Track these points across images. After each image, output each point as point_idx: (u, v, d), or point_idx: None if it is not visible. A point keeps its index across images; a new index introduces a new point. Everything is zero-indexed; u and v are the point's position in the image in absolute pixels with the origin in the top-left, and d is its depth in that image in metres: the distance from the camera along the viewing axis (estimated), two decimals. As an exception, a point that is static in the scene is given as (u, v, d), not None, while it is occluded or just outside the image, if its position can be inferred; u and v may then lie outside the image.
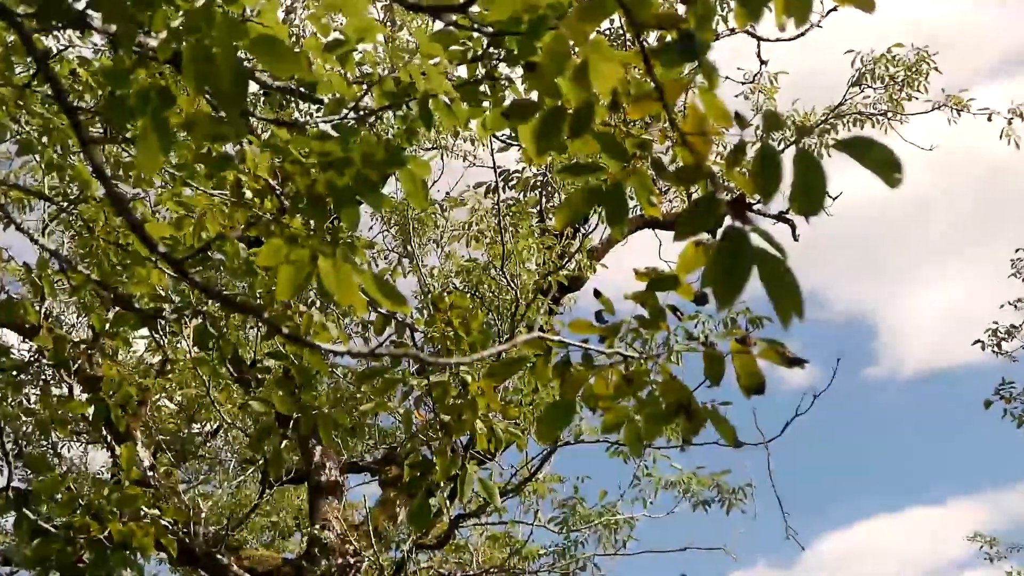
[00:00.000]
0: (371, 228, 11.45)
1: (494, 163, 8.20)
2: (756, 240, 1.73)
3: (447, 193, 10.51)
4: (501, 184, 9.58)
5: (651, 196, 2.24)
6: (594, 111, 2.08)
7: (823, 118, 11.90)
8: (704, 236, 2.03)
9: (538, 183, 10.04)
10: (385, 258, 11.07)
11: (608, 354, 2.56)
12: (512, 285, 8.91)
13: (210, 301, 4.22)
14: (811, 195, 1.76)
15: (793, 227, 12.70)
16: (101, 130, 4.16)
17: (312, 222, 3.20)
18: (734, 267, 1.72)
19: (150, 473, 10.13)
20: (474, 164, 10.82)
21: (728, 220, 1.78)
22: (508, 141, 8.62)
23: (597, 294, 2.52)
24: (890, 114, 12.07)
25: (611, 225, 2.20)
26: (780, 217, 12.77)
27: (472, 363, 2.88)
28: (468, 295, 9.45)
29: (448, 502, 9.62)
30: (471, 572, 11.27)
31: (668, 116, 1.98)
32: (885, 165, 1.72)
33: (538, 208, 10.09)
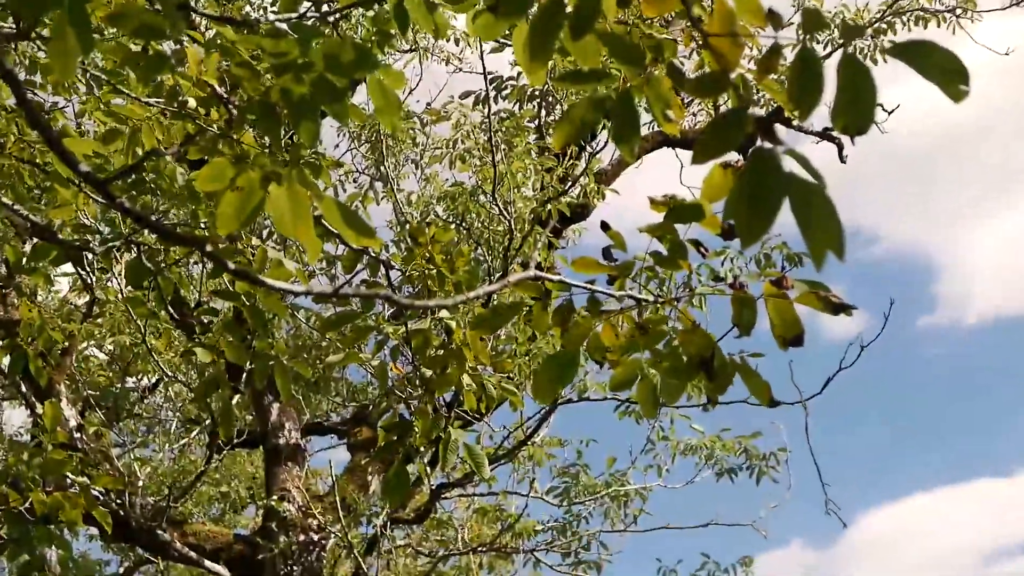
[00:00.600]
0: (337, 146, 11.43)
1: (484, 68, 8.15)
2: (789, 163, 1.73)
3: (428, 104, 10.47)
4: (492, 93, 9.52)
5: (667, 109, 2.22)
6: (600, 6, 2.05)
7: (878, 16, 11.82)
8: (731, 157, 2.02)
9: (536, 93, 9.99)
10: (354, 181, 11.05)
11: (618, 298, 2.55)
12: (505, 214, 8.90)
13: (145, 231, 4.21)
14: (858, 109, 1.74)
15: (840, 147, 12.68)
16: (12, 25, 4.12)
17: (265, 138, 3.19)
18: (762, 195, 1.71)
19: (77, 435, 10.19)
20: (460, 69, 10.75)
21: (757, 142, 1.77)
22: (501, 40, 8.56)
23: (605, 226, 2.51)
24: (959, 11, 11.98)
25: (619, 144, 2.19)
26: (825, 135, 12.74)
27: (457, 306, 2.88)
28: (452, 226, 9.45)
29: (429, 470, 9.70)
30: (455, 550, 11.40)
31: (688, 13, 1.96)
32: (948, 74, 1.71)
33: (536, 123, 10.05)
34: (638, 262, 2.55)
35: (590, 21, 2.07)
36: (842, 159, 12.78)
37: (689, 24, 2.17)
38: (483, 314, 2.66)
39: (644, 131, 10.98)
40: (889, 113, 12.06)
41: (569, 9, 2.06)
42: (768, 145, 1.74)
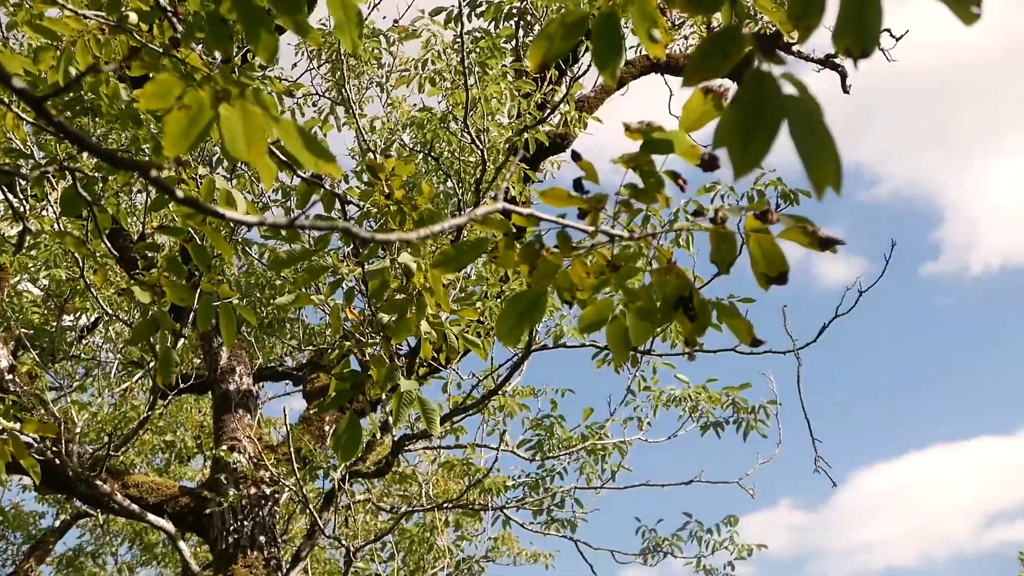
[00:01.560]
0: (294, 66, 11.33)
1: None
2: (787, 87, 1.72)
3: (395, 21, 10.38)
4: (466, 11, 9.46)
5: (654, 28, 2.21)
6: None
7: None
8: (719, 82, 2.01)
9: (514, 10, 9.92)
10: (313, 105, 10.98)
11: (590, 233, 2.54)
12: (477, 143, 8.87)
13: (82, 155, 4.19)
14: (862, 29, 1.74)
15: (843, 75, 12.69)
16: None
17: (215, 54, 3.16)
18: (758, 120, 1.70)
19: (9, 376, 10.18)
20: (431, -17, 10.65)
21: (754, 63, 1.77)
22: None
23: (576, 156, 2.50)
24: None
25: (601, 68, 2.18)
26: (827, 62, 12.73)
27: (421, 243, 2.87)
28: (419, 155, 9.41)
29: (391, 420, 9.74)
30: (419, 506, 11.48)
31: None
32: (958, -5, 1.71)
33: (513, 43, 9.99)
34: (613, 195, 2.56)
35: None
36: (845, 89, 12.79)
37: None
38: (446, 251, 2.65)
39: (630, 55, 10.95)
40: (897, 39, 12.06)
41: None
42: (765, 66, 1.73)
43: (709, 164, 2.42)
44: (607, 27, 2.20)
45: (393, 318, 3.02)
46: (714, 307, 2.55)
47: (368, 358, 3.01)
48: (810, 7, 1.79)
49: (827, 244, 2.39)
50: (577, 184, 2.54)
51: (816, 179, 1.72)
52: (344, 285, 3.21)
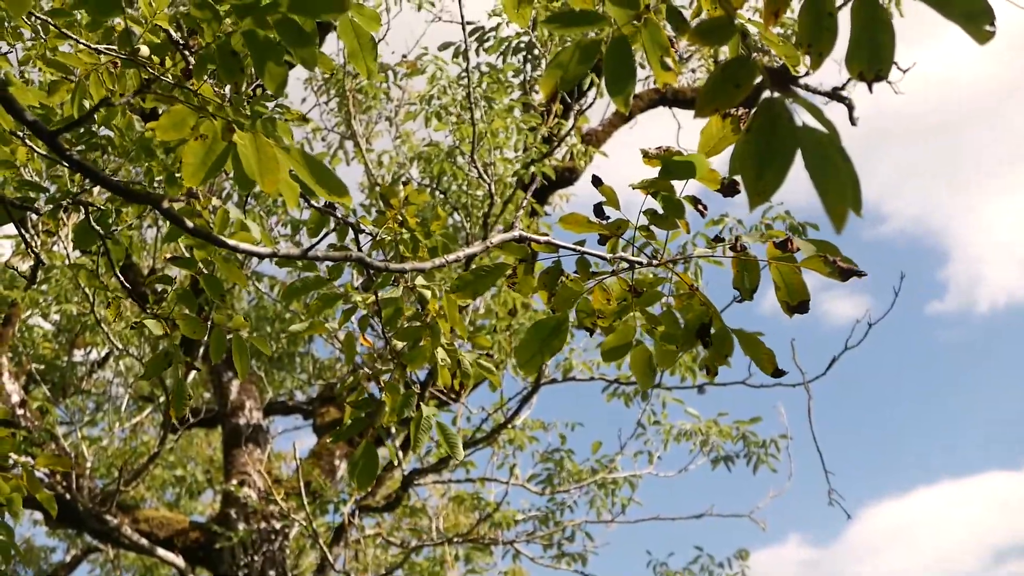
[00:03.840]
0: (304, 100, 11.36)
1: (462, 16, 8.09)
2: (801, 115, 1.71)
3: (403, 56, 10.41)
4: (472, 45, 9.48)
5: (665, 57, 2.20)
6: None
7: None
8: (741, 107, 2.00)
9: (521, 45, 9.95)
10: (323, 140, 11.01)
11: (610, 259, 2.54)
12: (484, 177, 8.87)
13: (95, 188, 4.18)
14: (875, 52, 1.72)
15: (851, 107, 12.66)
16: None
17: (225, 88, 3.16)
18: (771, 150, 1.68)
19: (20, 411, 10.16)
20: (439, 18, 10.69)
21: (765, 92, 1.75)
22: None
23: (597, 181, 2.49)
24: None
25: (613, 95, 2.17)
26: (834, 94, 12.73)
27: (434, 271, 2.86)
28: (427, 188, 9.42)
29: (401, 453, 9.72)
30: (429, 540, 11.43)
31: None
32: (972, 15, 1.69)
33: (520, 78, 10.01)
34: (632, 221, 2.55)
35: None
36: (852, 121, 12.77)
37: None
38: (464, 276, 2.64)
39: (638, 88, 10.96)
40: (904, 72, 12.05)
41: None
42: (778, 95, 1.72)
43: (729, 189, 2.41)
44: (619, 53, 2.19)
45: (407, 345, 3.01)
46: (736, 335, 2.53)
47: (382, 386, 2.99)
48: (821, 33, 1.78)
49: (848, 274, 2.38)
50: (598, 209, 2.53)
51: (832, 208, 1.69)
52: (356, 314, 3.19)
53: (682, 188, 2.48)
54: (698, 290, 2.54)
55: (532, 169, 8.93)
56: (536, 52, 10.02)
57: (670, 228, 2.52)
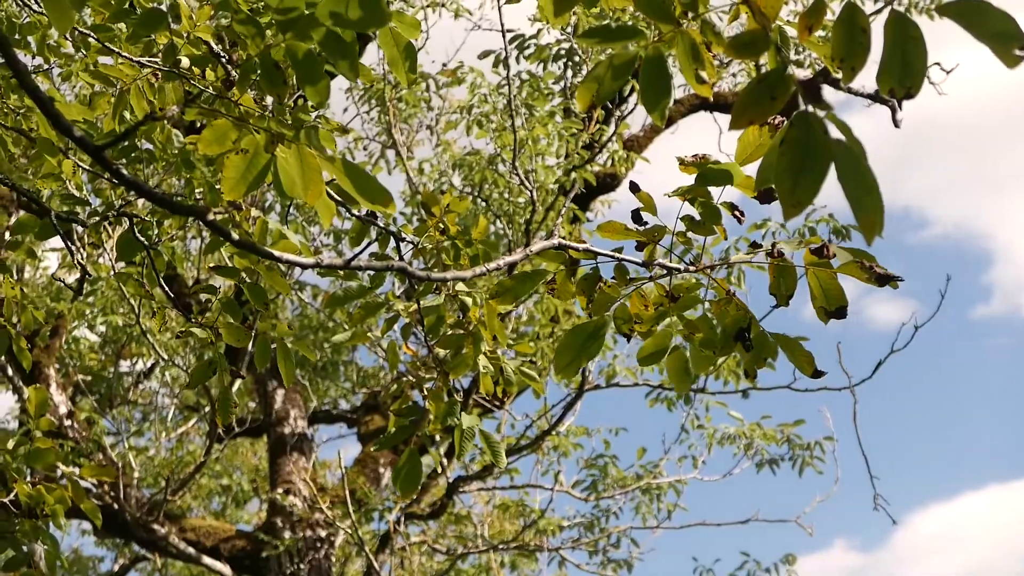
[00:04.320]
0: (345, 110, 11.42)
1: (502, 25, 8.10)
2: (832, 131, 1.71)
3: (444, 65, 10.44)
4: (512, 53, 9.49)
5: (701, 70, 2.21)
6: None
7: (934, -33, 11.71)
8: (778, 115, 2.00)
9: (561, 52, 9.95)
10: (364, 149, 11.05)
11: (648, 266, 2.56)
12: (526, 184, 8.88)
13: (138, 201, 4.21)
14: (906, 70, 1.73)
15: (893, 110, 12.59)
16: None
17: (266, 99, 3.18)
18: (806, 162, 1.70)
19: (68, 422, 10.26)
20: (479, 26, 10.72)
21: (800, 105, 1.76)
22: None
23: (635, 188, 2.50)
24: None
25: (649, 109, 2.17)
26: (877, 96, 12.64)
27: (476, 279, 2.87)
28: (469, 196, 9.44)
29: (446, 460, 9.73)
30: (474, 548, 11.44)
31: None
32: (1002, 37, 1.69)
33: (561, 85, 10.01)
34: (672, 226, 2.56)
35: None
36: (896, 123, 12.70)
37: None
38: (504, 282, 2.66)
39: (679, 93, 10.94)
40: (948, 73, 11.97)
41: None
42: (812, 108, 1.72)
43: (765, 196, 2.42)
44: (655, 68, 2.19)
45: (450, 353, 3.02)
46: (775, 339, 2.53)
47: (426, 394, 3.00)
48: (854, 48, 1.79)
49: (884, 280, 2.40)
50: (636, 216, 2.56)
51: (865, 223, 1.71)
52: (399, 323, 3.21)
53: (719, 194, 2.49)
54: (735, 295, 2.54)
55: (573, 176, 8.93)
56: (577, 59, 10.02)
57: (707, 234, 2.54)
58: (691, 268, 2.56)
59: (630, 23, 8.84)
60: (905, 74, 1.73)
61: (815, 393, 9.45)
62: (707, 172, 2.45)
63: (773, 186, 2.35)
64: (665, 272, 2.56)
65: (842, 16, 1.80)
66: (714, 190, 2.49)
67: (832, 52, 1.81)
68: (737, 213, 2.54)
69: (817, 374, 2.55)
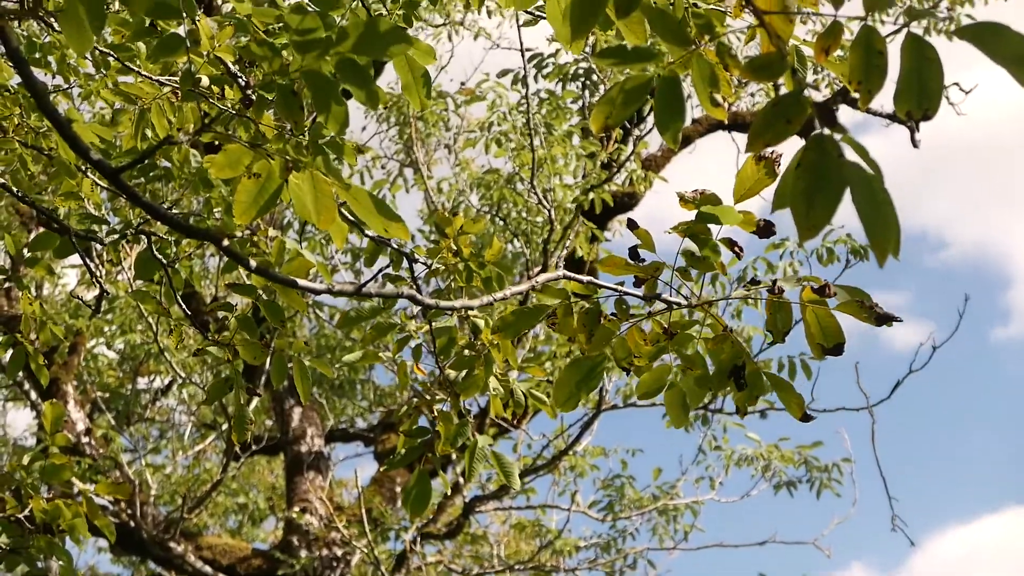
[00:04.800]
0: (364, 128, 11.46)
1: (521, 44, 8.14)
2: (849, 153, 1.72)
3: (462, 83, 10.48)
4: (531, 72, 9.54)
5: (715, 93, 2.22)
6: None
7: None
8: (772, 149, 2.03)
9: (580, 71, 9.99)
10: (382, 167, 11.09)
11: (648, 300, 2.59)
12: (544, 203, 8.91)
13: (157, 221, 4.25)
14: (923, 94, 1.74)
15: (912, 130, 12.59)
16: (16, 1, 4.17)
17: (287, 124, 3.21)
18: (821, 185, 1.70)
19: (85, 439, 10.31)
20: (498, 45, 10.77)
21: (816, 128, 1.77)
22: (537, 13, 8.56)
23: (632, 225, 2.54)
24: (1043, -18, 11.86)
25: (663, 132, 2.19)
26: (896, 116, 12.65)
27: (482, 307, 2.90)
28: (487, 215, 9.46)
29: (461, 480, 9.74)
30: (491, 568, 11.43)
31: None
32: (1017, 61, 1.70)
33: (579, 104, 10.05)
34: (668, 263, 2.60)
35: (638, -2, 2.07)
36: (914, 143, 12.68)
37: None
38: (505, 317, 2.70)
39: (697, 112, 10.97)
40: (967, 93, 11.97)
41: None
42: (827, 131, 1.74)
43: (764, 231, 2.45)
44: (670, 91, 2.21)
45: (461, 375, 3.04)
46: (767, 377, 2.58)
47: (436, 415, 3.02)
48: (871, 71, 1.80)
49: (883, 320, 2.43)
50: (633, 252, 2.60)
51: (877, 246, 1.71)
52: (412, 343, 3.23)
53: (718, 230, 2.53)
54: (731, 332, 2.57)
55: (592, 195, 8.95)
56: (595, 78, 10.05)
57: (707, 270, 2.57)
58: (691, 303, 2.59)
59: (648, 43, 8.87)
60: (922, 96, 1.74)
61: (833, 414, 9.44)
62: (703, 213, 2.49)
63: (771, 221, 2.39)
64: (665, 307, 2.60)
65: (859, 38, 1.81)
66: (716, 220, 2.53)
67: (849, 74, 1.82)
68: (736, 249, 2.57)
69: (806, 418, 2.58)
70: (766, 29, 2.01)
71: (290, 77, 2.69)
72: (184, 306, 3.91)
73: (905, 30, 1.78)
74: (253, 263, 2.83)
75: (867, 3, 1.88)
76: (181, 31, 3.28)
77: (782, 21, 2.02)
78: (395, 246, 3.08)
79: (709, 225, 2.51)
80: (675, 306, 2.59)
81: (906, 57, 1.75)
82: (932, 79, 1.75)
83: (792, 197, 1.73)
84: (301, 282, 2.75)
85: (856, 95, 1.90)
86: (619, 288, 2.63)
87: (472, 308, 2.77)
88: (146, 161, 4.13)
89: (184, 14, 2.78)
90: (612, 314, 2.65)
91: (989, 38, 1.73)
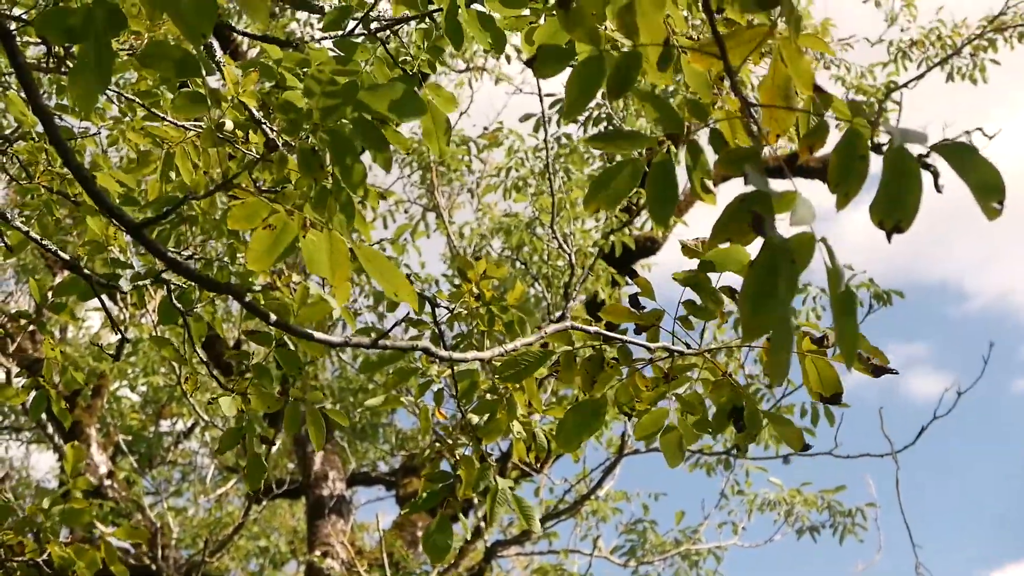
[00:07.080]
0: (387, 173, 11.51)
1: (540, 90, 8.16)
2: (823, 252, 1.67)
3: (485, 128, 10.52)
4: (552, 116, 9.56)
5: (707, 179, 2.22)
6: (640, 64, 2.05)
7: (977, 32, 11.75)
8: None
9: (602, 116, 10.01)
10: (405, 212, 11.12)
11: (650, 349, 2.63)
12: (564, 247, 8.91)
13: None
14: (896, 205, 1.71)
15: (936, 175, 12.56)
16: (44, 56, 4.21)
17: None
18: (766, 290, 1.63)
19: (107, 481, 10.31)
20: (520, 90, 10.81)
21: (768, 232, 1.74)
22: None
23: (632, 273, 2.56)
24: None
25: (654, 217, 2.16)
26: (921, 162, 12.62)
27: (501, 356, 2.90)
28: (508, 260, 9.47)
29: (483, 524, 9.70)
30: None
31: (730, 78, 1.95)
32: (985, 189, 1.67)
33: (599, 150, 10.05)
34: (670, 311, 2.65)
35: (630, 80, 2.07)
36: (938, 188, 12.65)
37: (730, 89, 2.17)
38: (506, 363, 2.72)
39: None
40: (990, 139, 11.94)
41: (608, 67, 2.07)
42: (777, 239, 1.67)
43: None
44: (662, 175, 2.18)
45: (483, 419, 3.03)
46: (766, 416, 2.60)
47: (458, 459, 3.01)
48: (850, 176, 1.80)
49: (880, 372, 2.45)
50: (633, 300, 2.63)
51: (847, 354, 1.69)
52: (433, 387, 3.22)
53: (718, 279, 2.56)
54: (730, 376, 2.59)
55: (612, 238, 8.95)
56: (616, 122, 10.08)
57: (708, 319, 2.60)
58: (692, 351, 2.62)
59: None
60: (896, 209, 1.70)
61: (857, 460, 9.37)
62: (703, 262, 2.51)
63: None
64: (667, 354, 2.63)
65: (841, 143, 1.81)
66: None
67: (829, 176, 1.81)
68: (736, 297, 2.58)
69: (805, 448, 2.61)
70: (744, 126, 2.03)
71: (309, 133, 2.70)
72: (204, 353, 3.91)
73: (891, 140, 1.75)
74: (272, 317, 2.83)
75: (852, 107, 1.87)
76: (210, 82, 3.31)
77: (777, 115, 2.05)
78: (417, 291, 3.08)
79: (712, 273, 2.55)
80: (679, 354, 2.62)
81: (886, 168, 1.73)
82: (909, 193, 1.72)
83: (741, 298, 1.63)
84: (317, 335, 2.75)
85: (834, 195, 1.88)
86: (623, 337, 2.66)
87: (484, 359, 2.79)
88: (167, 217, 4.15)
89: (205, 72, 2.79)
90: (614, 359, 2.69)
91: (960, 158, 1.71)
